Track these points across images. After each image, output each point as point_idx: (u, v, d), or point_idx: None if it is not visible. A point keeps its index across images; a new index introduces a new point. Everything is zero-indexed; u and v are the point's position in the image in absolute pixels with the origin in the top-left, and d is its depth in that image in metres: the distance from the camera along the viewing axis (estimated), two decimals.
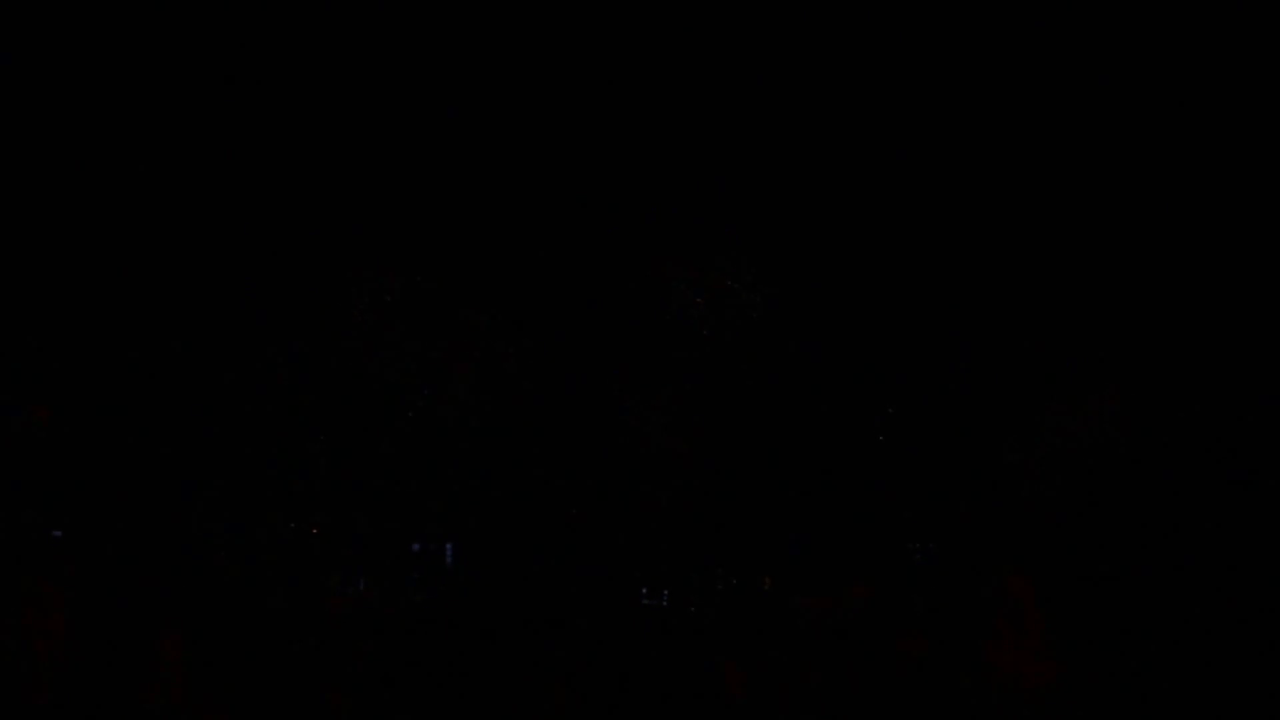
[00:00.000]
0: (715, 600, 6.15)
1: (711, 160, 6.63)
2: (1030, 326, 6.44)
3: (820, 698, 5.68)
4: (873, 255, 6.60)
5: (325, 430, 6.42)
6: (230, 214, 6.50)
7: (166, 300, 6.45)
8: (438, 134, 6.61)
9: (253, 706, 5.67)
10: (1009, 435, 6.32)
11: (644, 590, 6.20)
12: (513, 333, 6.53)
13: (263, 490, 6.27)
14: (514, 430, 6.46)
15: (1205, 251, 6.38)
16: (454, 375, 6.49)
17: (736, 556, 6.29)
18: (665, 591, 6.19)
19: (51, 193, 6.45)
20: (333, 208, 6.56)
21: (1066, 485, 6.19)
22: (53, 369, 6.32)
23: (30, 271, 6.40)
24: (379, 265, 6.51)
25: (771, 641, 5.84)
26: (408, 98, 6.57)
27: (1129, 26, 6.42)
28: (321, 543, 6.26)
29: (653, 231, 6.60)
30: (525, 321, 6.55)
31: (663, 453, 6.46)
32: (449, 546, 6.34)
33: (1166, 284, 6.39)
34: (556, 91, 6.62)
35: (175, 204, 6.49)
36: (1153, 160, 6.43)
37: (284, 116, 6.52)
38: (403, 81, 6.56)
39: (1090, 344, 6.40)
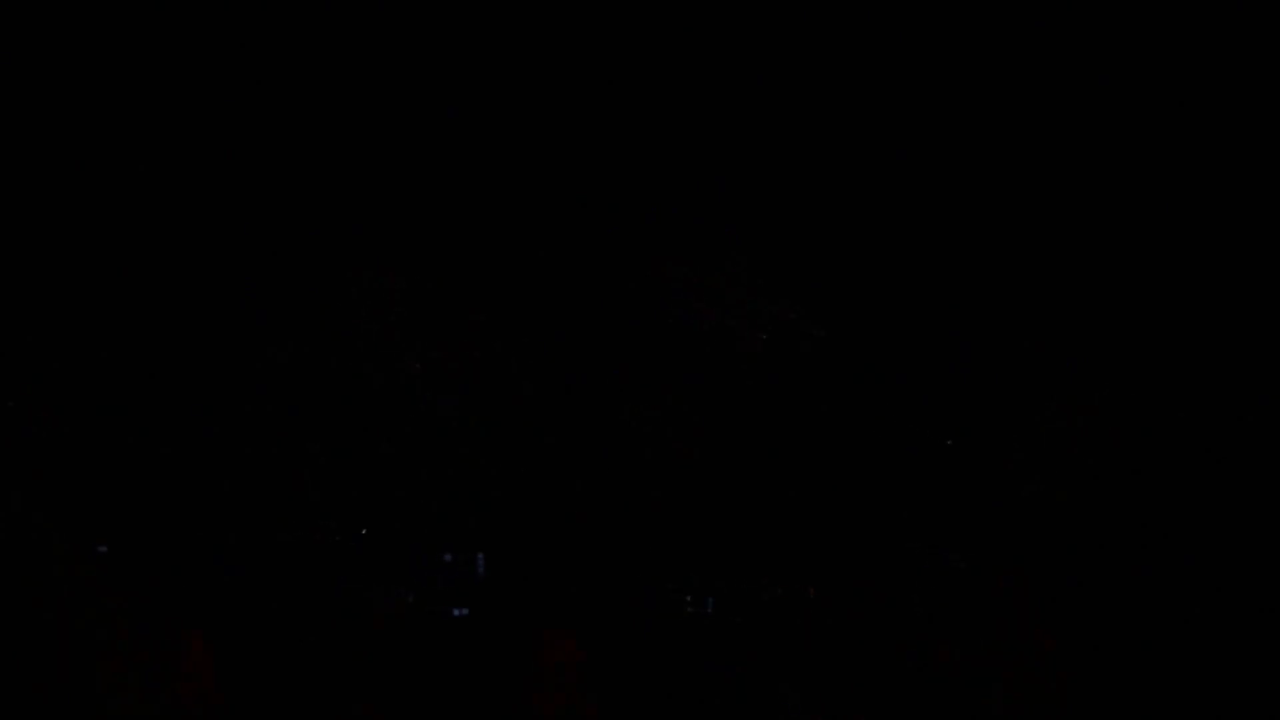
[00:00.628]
0: (761, 608, 6.17)
1: (711, 160, 6.64)
2: (1031, 326, 6.46)
3: (857, 702, 5.71)
4: (873, 255, 6.61)
5: (327, 435, 6.43)
6: (230, 213, 6.51)
7: (167, 300, 6.45)
8: (438, 134, 6.61)
9: (284, 713, 5.71)
10: (1010, 434, 6.33)
11: (688, 599, 6.21)
12: (513, 333, 6.53)
13: (277, 501, 6.29)
14: (534, 439, 6.47)
15: (1205, 252, 6.40)
16: (456, 377, 6.49)
17: (781, 563, 6.30)
18: (710, 599, 6.20)
19: (51, 192, 6.45)
20: (333, 208, 6.56)
21: (1067, 484, 6.20)
22: (56, 373, 6.33)
23: (30, 272, 6.41)
24: (379, 265, 6.52)
25: (814, 647, 5.87)
26: (408, 98, 6.58)
27: (1128, 27, 6.43)
28: (352, 553, 6.28)
29: (653, 231, 6.61)
30: (525, 321, 6.56)
31: (667, 455, 6.47)
32: (480, 556, 6.35)
33: (1167, 285, 6.40)
34: (556, 91, 6.63)
35: (175, 204, 6.50)
36: (1153, 161, 6.45)
37: (284, 116, 6.53)
38: (403, 81, 6.57)
39: (1090, 344, 6.42)
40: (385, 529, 6.33)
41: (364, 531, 6.28)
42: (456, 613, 6.17)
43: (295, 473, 6.33)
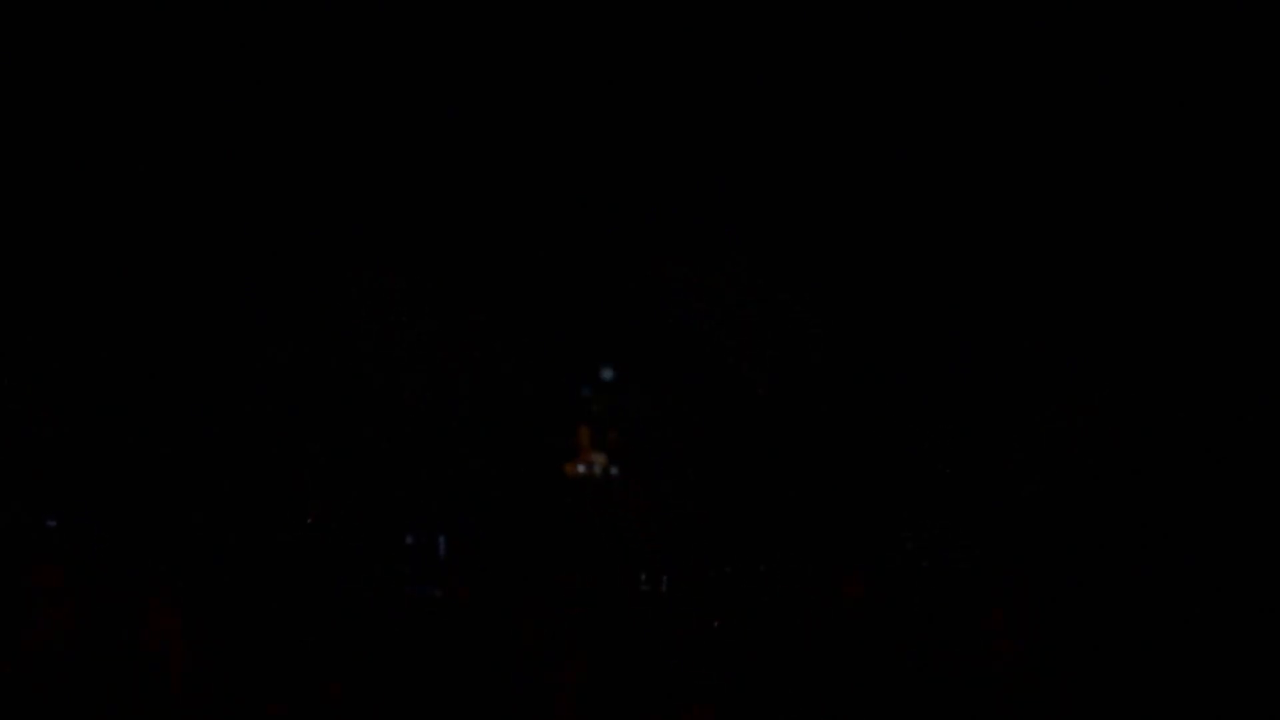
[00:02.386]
0: (714, 586, 6.16)
1: (711, 160, 6.64)
2: (1031, 326, 6.46)
3: (815, 682, 5.68)
4: (872, 254, 6.61)
5: (326, 435, 6.44)
6: (230, 213, 6.51)
7: (165, 299, 6.45)
8: (438, 134, 6.61)
9: (253, 690, 5.66)
10: (1010, 434, 6.33)
11: (643, 576, 6.22)
12: (513, 333, 6.53)
13: (274, 501, 6.29)
14: (534, 438, 6.48)
15: (1205, 252, 6.39)
16: (456, 377, 6.50)
17: (735, 545, 6.30)
18: (665, 578, 6.21)
19: (51, 192, 6.45)
20: (333, 208, 6.56)
21: (1067, 484, 6.20)
22: (56, 373, 6.33)
23: (30, 272, 6.41)
24: (379, 265, 6.52)
25: (768, 625, 5.84)
26: (408, 98, 6.58)
27: (1128, 27, 6.43)
28: (319, 535, 6.27)
29: (653, 231, 6.61)
30: (525, 321, 6.56)
31: (661, 449, 6.47)
32: (442, 539, 6.35)
33: (1168, 285, 6.40)
34: (556, 91, 6.63)
35: (175, 203, 6.50)
36: (1153, 161, 6.44)
37: (284, 116, 6.52)
38: (403, 81, 6.57)
39: (1090, 344, 6.41)
40: (383, 527, 6.34)
41: (357, 523, 6.28)
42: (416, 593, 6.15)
43: (295, 472, 6.33)
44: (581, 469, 6.58)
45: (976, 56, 6.48)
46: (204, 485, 6.24)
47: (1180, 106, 6.36)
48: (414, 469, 6.43)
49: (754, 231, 6.60)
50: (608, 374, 6.61)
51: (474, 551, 6.28)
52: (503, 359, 6.53)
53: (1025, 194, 6.50)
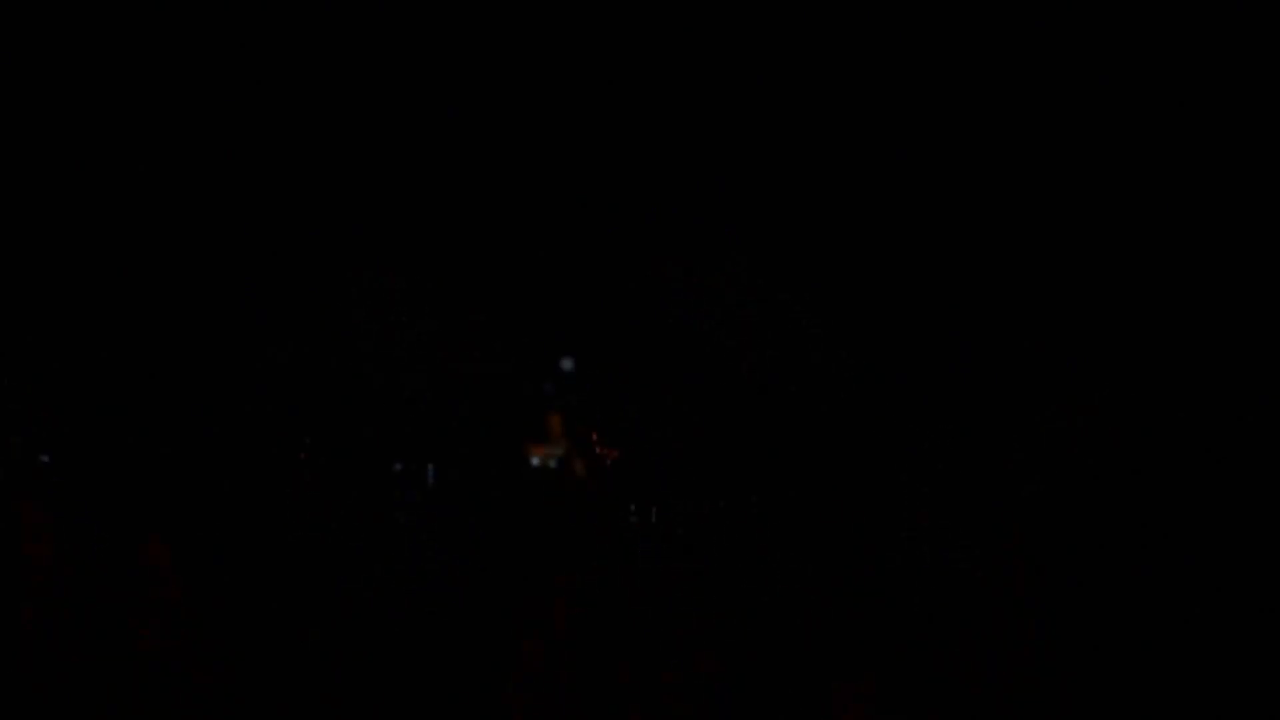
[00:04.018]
0: (702, 518, 6.17)
1: (711, 160, 6.64)
2: (1031, 326, 6.46)
3: (804, 615, 5.69)
4: (874, 254, 6.62)
5: (326, 435, 6.44)
6: (230, 213, 6.51)
7: (167, 300, 6.45)
8: (438, 134, 6.62)
9: (245, 618, 5.66)
10: (1010, 434, 6.34)
11: (631, 507, 6.23)
12: (513, 333, 6.53)
13: (275, 503, 6.29)
14: (534, 439, 6.48)
15: (1205, 252, 6.40)
16: (455, 377, 6.50)
17: (725, 477, 6.32)
18: (653, 509, 6.23)
19: (51, 192, 6.46)
20: (333, 207, 6.56)
21: (1067, 484, 6.20)
22: (56, 373, 6.34)
23: (30, 272, 6.41)
24: (379, 265, 6.52)
25: (756, 554, 5.86)
26: (408, 98, 6.58)
27: (1128, 27, 6.43)
28: (311, 471, 6.27)
29: (653, 231, 6.61)
30: (525, 321, 6.56)
31: (661, 445, 6.48)
32: (431, 467, 6.35)
33: (1167, 285, 6.40)
34: (556, 91, 6.63)
35: (175, 203, 6.50)
36: (1153, 161, 6.44)
37: (284, 115, 6.53)
38: (403, 81, 6.57)
39: (1090, 344, 6.41)
40: (372, 457, 6.33)
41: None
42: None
43: (295, 474, 6.33)
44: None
45: (976, 57, 6.48)
46: (196, 425, 6.22)
47: (1180, 107, 6.36)
48: (449, 485, 6.44)
49: (754, 231, 6.60)
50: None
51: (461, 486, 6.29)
52: (501, 359, 6.53)
53: (1025, 195, 6.51)
